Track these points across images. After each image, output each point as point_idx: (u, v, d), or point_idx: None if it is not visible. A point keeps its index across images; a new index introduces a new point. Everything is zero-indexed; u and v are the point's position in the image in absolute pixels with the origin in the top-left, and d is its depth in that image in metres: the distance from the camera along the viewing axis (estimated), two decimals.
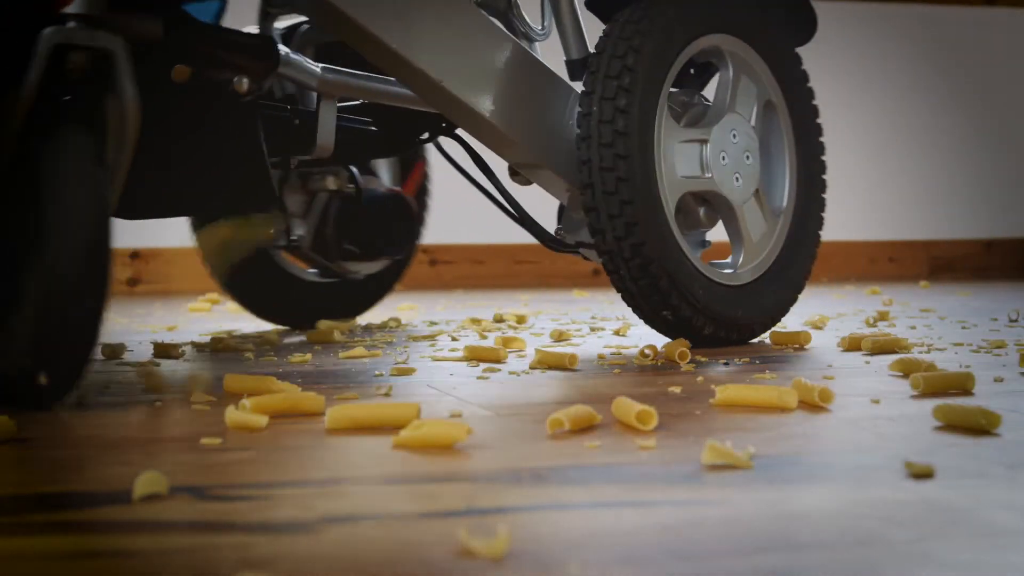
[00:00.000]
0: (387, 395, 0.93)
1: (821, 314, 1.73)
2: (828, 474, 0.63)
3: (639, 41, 1.24)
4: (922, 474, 0.62)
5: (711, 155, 1.30)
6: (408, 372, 1.08)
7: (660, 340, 1.40)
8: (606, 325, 1.67)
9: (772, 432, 0.76)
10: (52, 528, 0.53)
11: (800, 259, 1.41)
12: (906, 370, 1.05)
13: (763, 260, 1.37)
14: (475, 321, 1.70)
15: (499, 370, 1.10)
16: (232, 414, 0.79)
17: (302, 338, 1.49)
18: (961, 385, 0.94)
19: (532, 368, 1.12)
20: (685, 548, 0.49)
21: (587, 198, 1.24)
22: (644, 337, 1.46)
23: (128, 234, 2.98)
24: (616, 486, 0.61)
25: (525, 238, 3.23)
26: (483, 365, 1.15)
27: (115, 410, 0.87)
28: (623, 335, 1.49)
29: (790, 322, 1.68)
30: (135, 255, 2.97)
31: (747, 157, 1.34)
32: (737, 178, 1.33)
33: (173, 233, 3.01)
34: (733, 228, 1.35)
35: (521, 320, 1.71)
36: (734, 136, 1.33)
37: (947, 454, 0.69)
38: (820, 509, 0.56)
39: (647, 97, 1.24)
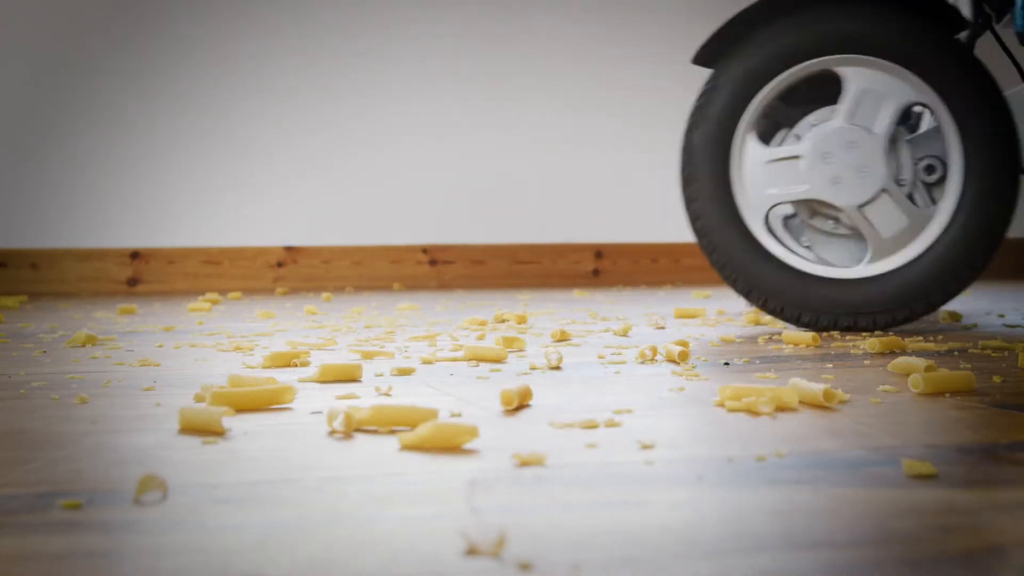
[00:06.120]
0: (387, 395, 0.93)
1: None
2: (828, 474, 0.63)
3: None
4: (922, 474, 0.62)
5: None
6: (408, 372, 1.08)
7: (661, 340, 1.40)
8: (607, 325, 1.67)
9: (772, 432, 0.76)
10: (52, 528, 0.53)
11: None
12: (906, 370, 1.05)
13: None
14: (475, 321, 1.70)
15: (500, 370, 1.10)
16: (186, 413, 0.79)
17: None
18: (961, 385, 0.94)
19: (316, 381, 1.02)
20: (685, 548, 0.49)
21: None
22: (645, 337, 1.46)
23: (128, 234, 2.98)
24: (616, 486, 0.61)
25: (525, 238, 3.23)
26: (483, 365, 1.15)
27: (114, 409, 0.87)
28: (624, 335, 1.49)
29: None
30: (135, 255, 2.97)
31: None
32: None
33: (173, 233, 3.01)
34: None
35: (521, 320, 1.70)
36: None
37: (947, 454, 0.69)
38: (820, 509, 0.56)
39: None
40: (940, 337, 1.44)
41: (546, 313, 1.97)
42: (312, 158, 3.11)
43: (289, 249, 3.07)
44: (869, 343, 1.27)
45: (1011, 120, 1.49)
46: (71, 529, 0.52)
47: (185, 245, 3.02)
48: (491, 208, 3.23)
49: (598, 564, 0.46)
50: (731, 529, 0.52)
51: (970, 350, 1.28)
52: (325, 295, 2.49)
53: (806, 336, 1.35)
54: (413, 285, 3.13)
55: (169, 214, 3.01)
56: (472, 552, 0.48)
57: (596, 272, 3.28)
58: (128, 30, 3.00)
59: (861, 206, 1.51)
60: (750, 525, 0.52)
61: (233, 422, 0.80)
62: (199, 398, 0.90)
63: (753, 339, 1.43)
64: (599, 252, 3.28)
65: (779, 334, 1.48)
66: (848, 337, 1.46)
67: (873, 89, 1.53)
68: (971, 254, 1.48)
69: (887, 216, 1.50)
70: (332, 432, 0.77)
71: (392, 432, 0.76)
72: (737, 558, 0.47)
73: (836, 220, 1.55)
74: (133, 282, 2.96)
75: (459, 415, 0.83)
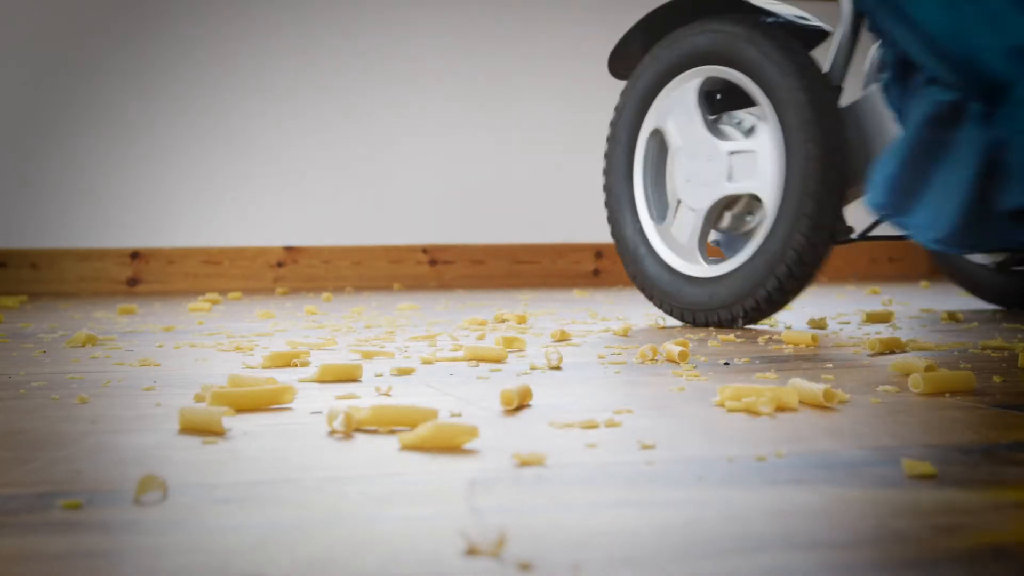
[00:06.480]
0: (387, 395, 0.93)
1: (822, 314, 1.73)
2: (828, 474, 0.63)
3: None
4: (922, 474, 0.62)
5: None
6: (408, 372, 1.08)
7: (661, 340, 1.40)
8: (607, 325, 1.67)
9: (772, 432, 0.76)
10: (52, 528, 0.53)
11: None
12: (906, 370, 1.05)
13: None
14: (475, 321, 1.70)
15: (500, 370, 1.10)
16: (186, 413, 0.79)
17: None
18: (961, 385, 0.94)
19: (316, 381, 1.03)
20: (685, 548, 0.49)
21: None
22: (645, 337, 1.46)
23: (128, 234, 2.98)
24: (616, 486, 0.61)
25: (525, 238, 3.23)
26: (483, 365, 1.15)
27: (114, 409, 0.87)
28: (624, 335, 1.49)
29: (793, 322, 1.69)
30: (135, 255, 2.97)
31: None
32: None
33: (173, 233, 3.01)
34: None
35: (521, 320, 1.70)
36: None
37: (947, 454, 0.69)
38: (820, 509, 0.56)
39: None
40: (940, 337, 1.44)
41: (546, 313, 1.97)
42: (312, 158, 3.11)
43: (289, 249, 3.07)
44: (869, 343, 1.27)
45: (836, 112, 1.51)
46: (71, 529, 0.52)
47: (185, 245, 3.02)
48: (491, 208, 3.23)
49: (598, 564, 0.46)
50: (731, 529, 0.52)
51: (970, 350, 1.28)
52: (325, 295, 2.49)
53: (806, 336, 1.35)
54: (413, 285, 3.13)
55: (169, 214, 3.02)
56: (472, 552, 0.48)
57: (596, 272, 3.28)
58: (128, 30, 2.99)
59: (730, 180, 1.59)
60: (750, 525, 0.52)
61: (233, 422, 0.81)
62: (199, 398, 0.90)
63: (753, 339, 1.43)
64: (599, 252, 3.28)
65: (779, 334, 1.48)
66: (848, 337, 1.46)
67: (672, 103, 1.66)
68: (795, 249, 1.51)
69: (750, 165, 1.57)
70: (332, 432, 0.77)
71: (392, 432, 0.76)
72: (737, 558, 0.47)
73: (732, 220, 1.64)
74: (133, 282, 2.96)
75: (459, 415, 0.83)
